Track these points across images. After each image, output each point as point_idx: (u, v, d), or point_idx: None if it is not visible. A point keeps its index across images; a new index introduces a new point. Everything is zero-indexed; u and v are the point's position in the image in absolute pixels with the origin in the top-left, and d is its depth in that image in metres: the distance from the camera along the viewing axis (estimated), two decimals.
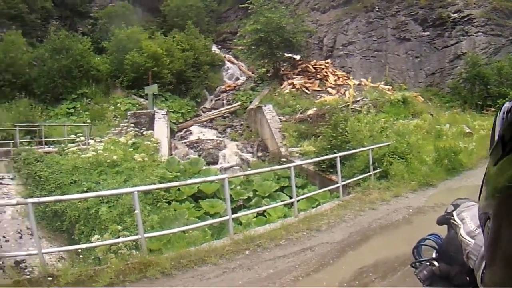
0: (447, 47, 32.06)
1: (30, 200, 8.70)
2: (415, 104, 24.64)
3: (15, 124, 22.21)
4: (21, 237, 14.32)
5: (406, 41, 33.07)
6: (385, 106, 23.62)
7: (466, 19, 31.69)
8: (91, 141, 21.10)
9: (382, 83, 30.15)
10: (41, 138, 23.26)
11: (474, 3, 31.91)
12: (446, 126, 20.47)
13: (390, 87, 29.39)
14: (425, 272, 2.20)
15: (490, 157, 1.64)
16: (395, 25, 33.63)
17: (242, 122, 29.69)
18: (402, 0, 33.75)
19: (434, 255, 2.85)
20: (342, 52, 35.68)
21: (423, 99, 27.83)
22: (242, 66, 41.21)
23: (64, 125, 24.91)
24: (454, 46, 31.81)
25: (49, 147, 21.90)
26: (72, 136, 21.58)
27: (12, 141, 21.21)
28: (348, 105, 23.17)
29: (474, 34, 31.34)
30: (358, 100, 24.19)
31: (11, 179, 17.46)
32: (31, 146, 21.50)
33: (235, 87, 36.98)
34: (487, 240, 1.64)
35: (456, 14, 31.95)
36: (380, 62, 33.61)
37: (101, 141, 20.43)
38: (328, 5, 38.63)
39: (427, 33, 32.66)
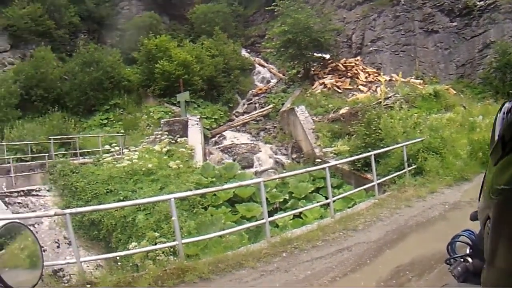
0: (475, 36, 31.46)
1: (67, 210, 8.93)
2: (447, 97, 24.27)
3: (50, 137, 22.75)
4: (58, 247, 14.71)
5: (434, 33, 32.61)
6: (417, 101, 23.35)
7: (492, 6, 30.90)
8: (125, 151, 21.50)
9: (413, 77, 29.80)
10: (76, 150, 23.86)
11: None
12: (479, 118, 20.10)
13: (421, 81, 29.00)
14: (459, 268, 2.22)
15: (490, 157, 1.71)
16: (422, 18, 33.20)
17: (275, 125, 29.74)
18: None
19: (468, 251, 2.92)
20: (371, 48, 35.41)
21: (454, 92, 27.39)
22: (273, 69, 41.24)
23: (98, 136, 25.31)
24: (483, 35, 31.18)
25: (84, 158, 22.39)
26: (107, 147, 22.04)
27: (47, 154, 21.75)
28: (380, 102, 23.02)
29: (502, 21, 30.51)
30: (390, 96, 24.00)
31: (47, 190, 17.92)
32: (66, 158, 22.12)
33: (266, 90, 37.04)
34: (487, 240, 1.70)
35: (482, 2, 31.28)
36: (409, 56, 33.23)
37: (135, 150, 20.75)
38: (354, 2, 38.36)
39: (455, 23, 32.13)
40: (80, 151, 23.93)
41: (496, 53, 29.45)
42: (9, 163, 20.47)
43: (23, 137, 23.35)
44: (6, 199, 16.56)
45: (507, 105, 1.58)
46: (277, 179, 17.58)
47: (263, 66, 42.51)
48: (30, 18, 34.57)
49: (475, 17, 31.47)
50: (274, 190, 17.50)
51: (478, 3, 31.39)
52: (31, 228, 13.91)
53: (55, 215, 10.37)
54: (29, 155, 22.18)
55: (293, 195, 17.14)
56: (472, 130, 17.96)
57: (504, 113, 1.58)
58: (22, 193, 17.43)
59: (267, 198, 12.78)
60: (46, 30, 35.77)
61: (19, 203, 16.86)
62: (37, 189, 17.96)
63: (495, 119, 1.65)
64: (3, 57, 33.65)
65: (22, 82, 29.74)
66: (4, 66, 33.04)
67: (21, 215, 13.50)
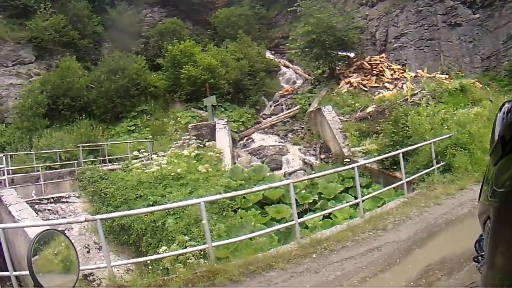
0: (499, 27, 30.89)
1: (98, 216, 9.16)
2: (473, 91, 23.89)
3: (78, 144, 23.27)
4: (88, 252, 15.05)
5: (457, 27, 32.16)
6: (443, 96, 23.07)
7: None
8: (154, 156, 21.93)
9: (438, 72, 29.47)
10: (104, 157, 24.32)
11: None
12: None
13: (447, 76, 28.64)
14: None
15: (490, 157, 1.80)
16: (444, 11, 32.77)
17: (302, 126, 29.74)
18: None
19: None
20: (395, 45, 35.14)
21: (481, 85, 26.92)
22: (298, 70, 41.31)
23: (127, 142, 25.75)
24: (506, 26, 30.59)
25: (112, 165, 22.85)
26: (135, 153, 22.44)
27: (76, 161, 22.18)
28: (407, 99, 22.87)
29: None
30: (416, 93, 23.82)
31: (77, 197, 18.33)
32: (95, 164, 22.58)
33: (292, 91, 37.16)
34: (487, 240, 1.79)
35: None
36: (434, 51, 32.86)
37: (164, 155, 21.06)
38: None
39: (477, 15, 31.60)
40: (109, 157, 24.36)
41: None
42: (38, 171, 20.83)
43: (52, 145, 23.91)
44: (36, 206, 16.93)
45: (507, 105, 1.68)
46: (306, 180, 17.62)
47: (288, 67, 42.61)
48: (53, 29, 35.16)
49: (497, 8, 30.93)
50: (304, 191, 17.58)
51: None
52: None
53: (85, 221, 10.60)
54: (58, 163, 22.62)
55: (322, 195, 17.15)
56: None
57: (504, 113, 1.67)
58: (51, 200, 17.89)
59: (296, 200, 12.79)
60: (70, 40, 36.43)
61: (49, 209, 17.27)
62: (67, 196, 18.40)
63: (495, 119, 1.75)
64: (29, 68, 34.35)
65: (48, 92, 30.38)
66: (30, 77, 33.74)
67: (52, 222, 13.83)
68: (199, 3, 49.68)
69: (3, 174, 18.31)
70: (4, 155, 19.44)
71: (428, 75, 27.57)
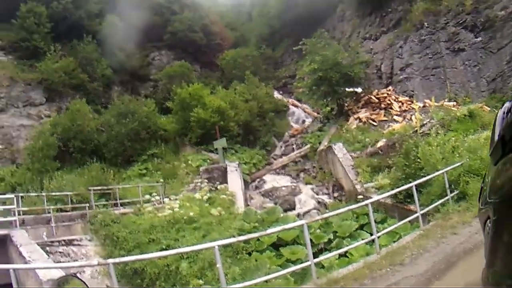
0: (501, 48, 30.75)
1: (111, 260, 9.01)
2: (482, 116, 23.72)
3: (89, 187, 23.16)
4: None
5: (461, 52, 32.13)
6: (452, 123, 22.95)
7: None
8: (166, 200, 21.74)
9: (446, 100, 29.35)
10: (116, 200, 24.12)
11: None
12: None
13: (455, 103, 28.51)
14: None
15: (490, 157, 1.71)
16: (447, 38, 32.84)
17: (314, 165, 29.63)
18: (449, 10, 33.01)
19: None
20: (401, 76, 35.18)
21: (489, 109, 26.79)
22: (307, 108, 41.53)
23: (138, 186, 25.59)
24: (509, 46, 30.41)
25: (124, 208, 22.77)
26: (147, 196, 22.39)
27: (87, 204, 22.04)
28: (416, 130, 22.77)
29: None
30: (426, 123, 23.72)
31: (89, 240, 18.19)
32: (107, 208, 22.43)
33: (302, 130, 37.22)
34: (487, 240, 1.69)
35: (503, 12, 30.69)
36: (440, 79, 32.79)
37: (176, 199, 21.02)
38: (378, 32, 38.48)
39: (480, 38, 31.58)
40: (121, 201, 24.20)
41: None
42: (49, 212, 20.66)
43: (63, 188, 23.80)
44: (48, 248, 16.81)
45: (507, 105, 1.60)
46: (320, 220, 17.39)
47: (297, 107, 42.88)
48: (63, 71, 36.07)
49: (498, 29, 30.89)
50: (318, 230, 17.36)
51: (498, 13, 30.93)
52: None
53: (98, 264, 10.50)
54: (69, 205, 22.49)
55: (337, 234, 16.96)
56: None
57: (504, 113, 1.59)
58: (63, 242, 17.79)
59: (311, 239, 12.66)
60: (80, 83, 37.32)
61: (60, 252, 17.17)
62: (79, 239, 18.31)
63: (495, 119, 1.66)
64: (39, 110, 34.97)
65: (59, 134, 30.68)
66: (41, 119, 34.31)
67: (64, 264, 13.68)
68: (206, 46, 50.69)
69: (14, 215, 18.14)
70: (15, 196, 19.36)
71: (436, 104, 27.47)
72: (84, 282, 2.89)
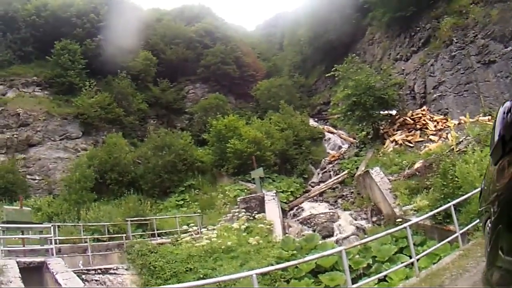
0: None
1: None
2: None
3: (126, 218, 23.31)
4: None
5: (492, 64, 31.54)
6: (488, 138, 22.57)
7: None
8: (203, 230, 21.87)
9: (481, 115, 28.88)
10: (153, 231, 24.21)
11: None
12: None
13: (489, 117, 28.03)
14: None
15: (490, 157, 1.69)
16: (477, 51, 32.35)
17: (352, 190, 29.27)
18: (476, 23, 32.62)
19: None
20: (434, 95, 34.71)
21: None
22: (342, 134, 41.46)
23: (176, 216, 25.75)
24: None
25: (161, 239, 22.85)
26: (184, 227, 22.40)
27: (124, 235, 22.15)
28: (453, 149, 22.38)
29: None
30: (462, 141, 23.29)
31: (125, 269, 18.22)
32: (144, 238, 22.59)
33: (339, 156, 36.97)
34: (487, 240, 1.66)
35: None
36: (473, 94, 32.23)
37: (213, 229, 21.11)
38: (409, 52, 38.21)
39: (509, 48, 31.02)
40: (158, 231, 24.31)
41: None
42: (86, 242, 20.77)
43: (100, 218, 24.04)
44: (83, 276, 16.85)
45: (507, 104, 1.59)
46: (358, 245, 17.18)
47: (333, 133, 42.86)
48: (99, 106, 37.06)
49: None
50: (357, 256, 17.11)
51: None
52: None
53: None
54: (106, 236, 22.66)
55: (376, 259, 16.65)
56: None
57: (504, 113, 1.58)
58: (99, 271, 17.81)
59: (350, 265, 12.50)
60: (116, 117, 38.17)
61: (96, 280, 17.23)
62: (115, 268, 18.35)
63: (495, 119, 1.65)
64: (76, 143, 35.93)
65: (96, 166, 31.17)
66: (77, 152, 35.21)
67: None
68: (239, 77, 51.50)
69: (51, 243, 18.32)
70: (52, 225, 19.47)
71: (471, 120, 26.96)
72: None
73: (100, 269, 18.09)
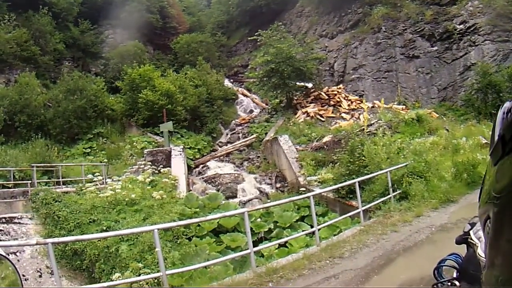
0: (456, 59, 31.95)
1: (50, 240, 8.64)
2: (429, 121, 24.49)
3: (32, 164, 22.32)
4: (40, 276, 14.38)
5: (415, 59, 33.04)
6: (400, 126, 23.51)
7: (472, 29, 31.65)
8: (108, 180, 21.40)
9: (395, 103, 30.06)
10: (59, 178, 23.25)
11: (478, 12, 31.80)
12: (462, 140, 20.30)
13: (404, 107, 29.29)
14: None
15: (490, 157, 1.61)
16: (403, 44, 33.66)
17: (258, 155, 29.63)
18: (408, 18, 33.81)
19: (454, 275, 2.78)
20: (353, 76, 35.71)
21: (437, 115, 27.63)
22: (256, 99, 41.53)
23: (81, 165, 24.94)
24: (463, 58, 31.68)
25: (66, 187, 21.95)
26: (90, 176, 21.68)
27: (30, 181, 21.17)
28: (363, 129, 23.07)
29: (482, 43, 31.23)
30: (373, 123, 24.10)
31: (30, 218, 17.50)
32: (49, 186, 21.75)
33: (249, 120, 37.14)
34: (487, 240, 1.59)
35: (461, 26, 31.90)
36: (391, 82, 33.55)
37: (119, 180, 20.56)
38: (335, 31, 38.91)
39: (435, 48, 32.61)
40: (63, 179, 23.33)
41: (477, 74, 29.76)
42: None
43: (6, 163, 22.74)
44: None
45: (507, 104, 1.50)
46: (261, 209, 17.32)
47: (246, 96, 42.83)
48: (15, 42, 34.52)
49: (455, 41, 31.99)
50: (259, 220, 17.33)
51: (458, 26, 31.93)
52: (13, 256, 13.57)
53: (37, 244, 10.10)
54: (12, 182, 21.56)
55: (278, 224, 16.92)
56: (456, 152, 17.99)
57: (504, 113, 1.50)
58: (3, 220, 16.97)
59: (251, 228, 12.60)
60: (31, 56, 35.79)
61: (0, 230, 16.45)
62: (19, 217, 17.52)
63: (495, 119, 1.56)
64: None
65: (5, 107, 29.29)
66: None
67: (2, 243, 13.15)
68: (161, 28, 50.18)
69: None
70: None
71: (385, 105, 27.99)
72: (14, 264, 2.66)
73: (5, 218, 17.14)
